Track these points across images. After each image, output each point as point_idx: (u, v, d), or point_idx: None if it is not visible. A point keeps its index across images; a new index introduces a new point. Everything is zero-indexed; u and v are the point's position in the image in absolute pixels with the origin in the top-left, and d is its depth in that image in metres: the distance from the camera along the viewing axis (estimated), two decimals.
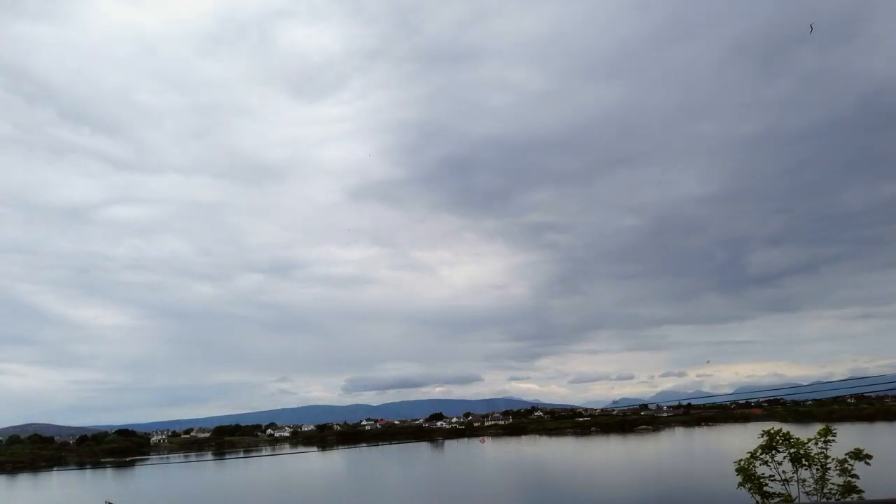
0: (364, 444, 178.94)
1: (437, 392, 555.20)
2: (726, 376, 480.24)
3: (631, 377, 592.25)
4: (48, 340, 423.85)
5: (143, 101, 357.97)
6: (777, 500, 17.76)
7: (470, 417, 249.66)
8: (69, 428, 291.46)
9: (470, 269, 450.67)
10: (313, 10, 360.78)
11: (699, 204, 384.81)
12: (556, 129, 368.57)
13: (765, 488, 17.89)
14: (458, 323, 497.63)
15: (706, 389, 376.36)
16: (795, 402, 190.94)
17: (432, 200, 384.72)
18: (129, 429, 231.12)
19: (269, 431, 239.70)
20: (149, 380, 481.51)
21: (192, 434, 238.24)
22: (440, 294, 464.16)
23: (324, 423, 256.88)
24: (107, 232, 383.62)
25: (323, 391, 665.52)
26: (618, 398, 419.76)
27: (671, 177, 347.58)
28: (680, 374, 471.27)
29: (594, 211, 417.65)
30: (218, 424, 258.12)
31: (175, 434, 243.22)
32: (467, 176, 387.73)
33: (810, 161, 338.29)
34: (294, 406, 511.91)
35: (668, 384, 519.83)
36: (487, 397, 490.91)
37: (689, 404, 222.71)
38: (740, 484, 18.26)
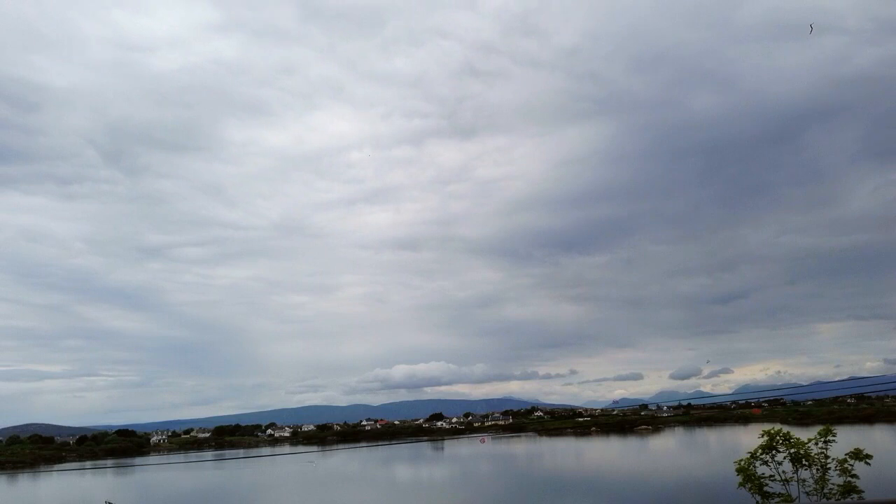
0: (364, 444, 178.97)
1: (437, 392, 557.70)
2: (726, 377, 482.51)
3: (631, 378, 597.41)
4: (90, 349, 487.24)
5: (252, 195, 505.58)
6: (777, 500, 17.78)
7: (470, 417, 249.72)
8: (69, 428, 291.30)
9: (481, 290, 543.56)
10: (373, 141, 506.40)
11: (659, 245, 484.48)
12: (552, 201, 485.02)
13: (765, 488, 17.91)
14: (463, 330, 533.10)
15: (706, 390, 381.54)
16: (795, 403, 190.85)
17: (453, 247, 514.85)
18: (129, 429, 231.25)
19: (269, 431, 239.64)
20: (167, 383, 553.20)
21: (191, 434, 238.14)
22: (453, 308, 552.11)
23: (324, 423, 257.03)
24: (179, 266, 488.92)
25: (329, 392, 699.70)
26: (618, 398, 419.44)
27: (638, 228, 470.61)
28: (680, 375, 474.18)
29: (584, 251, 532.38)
30: (218, 424, 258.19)
31: (175, 434, 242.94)
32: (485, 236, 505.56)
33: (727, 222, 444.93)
34: (294, 406, 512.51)
35: (668, 384, 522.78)
36: (487, 397, 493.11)
37: (689, 405, 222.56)
38: (740, 484, 18.27)
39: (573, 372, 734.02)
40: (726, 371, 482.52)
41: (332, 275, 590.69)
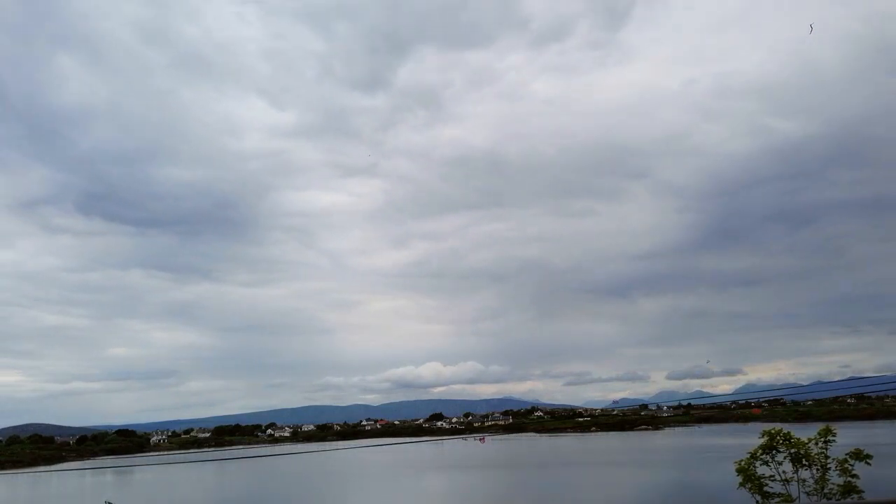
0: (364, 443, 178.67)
1: (437, 392, 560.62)
2: (727, 377, 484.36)
3: (631, 378, 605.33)
4: (119, 357, 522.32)
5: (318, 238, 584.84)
6: (777, 500, 17.75)
7: (470, 417, 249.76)
8: (69, 428, 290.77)
9: (487, 305, 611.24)
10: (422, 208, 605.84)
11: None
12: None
13: (765, 488, 17.88)
14: (470, 336, 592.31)
15: (706, 390, 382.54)
16: (795, 402, 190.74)
17: (465, 273, 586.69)
18: (129, 429, 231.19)
19: (269, 431, 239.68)
20: (183, 386, 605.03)
21: (191, 434, 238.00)
22: (462, 319, 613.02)
23: (324, 423, 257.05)
24: (227, 289, 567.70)
25: (335, 392, 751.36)
26: (618, 398, 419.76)
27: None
28: (679, 376, 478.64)
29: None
30: (218, 424, 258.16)
31: (175, 434, 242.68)
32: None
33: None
34: (294, 406, 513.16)
35: (668, 384, 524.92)
36: (487, 398, 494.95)
37: (689, 404, 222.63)
38: (740, 484, 18.22)
39: (577, 373, 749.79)
40: (739, 371, 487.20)
41: (360, 293, 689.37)
